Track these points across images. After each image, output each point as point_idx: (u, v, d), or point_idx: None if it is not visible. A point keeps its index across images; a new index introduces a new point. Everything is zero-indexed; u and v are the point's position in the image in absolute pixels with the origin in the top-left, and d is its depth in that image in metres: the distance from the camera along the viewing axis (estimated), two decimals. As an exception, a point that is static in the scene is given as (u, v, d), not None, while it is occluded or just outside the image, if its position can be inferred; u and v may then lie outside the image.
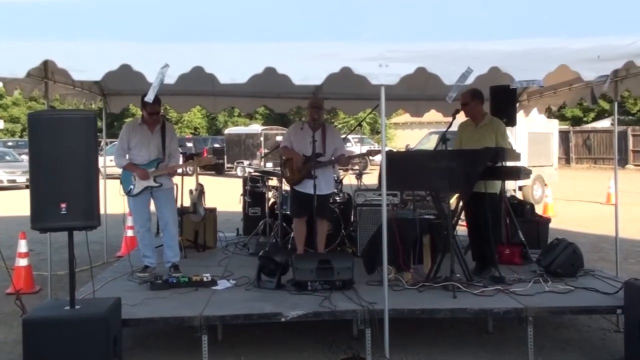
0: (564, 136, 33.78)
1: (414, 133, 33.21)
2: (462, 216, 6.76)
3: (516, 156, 6.20)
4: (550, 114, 20.73)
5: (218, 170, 28.49)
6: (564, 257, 6.12)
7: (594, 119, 40.18)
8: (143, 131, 6.47)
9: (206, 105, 10.03)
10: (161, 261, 6.61)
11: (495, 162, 5.94)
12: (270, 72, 4.49)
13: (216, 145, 31.15)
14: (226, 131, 30.21)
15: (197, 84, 7.75)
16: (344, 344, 5.18)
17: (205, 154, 29.86)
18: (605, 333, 5.76)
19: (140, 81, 4.59)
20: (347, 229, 7.94)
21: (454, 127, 6.51)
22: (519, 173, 6.12)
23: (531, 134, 15.68)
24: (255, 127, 30.75)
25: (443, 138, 5.60)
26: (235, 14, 4.88)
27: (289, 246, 7.42)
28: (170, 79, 4.44)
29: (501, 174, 6.16)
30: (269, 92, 9.12)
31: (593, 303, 5.31)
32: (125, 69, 4.39)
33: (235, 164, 26.54)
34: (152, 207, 6.59)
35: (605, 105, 34.80)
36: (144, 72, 4.43)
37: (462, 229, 7.30)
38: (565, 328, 5.91)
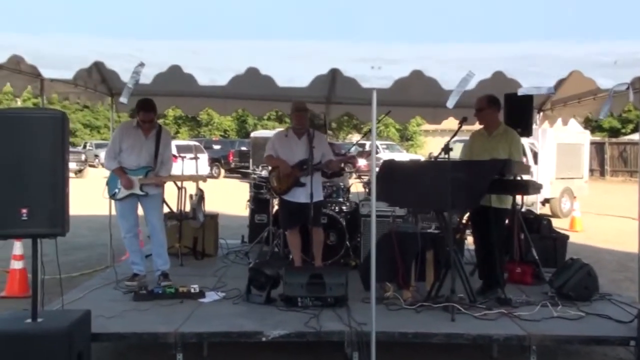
0: (599, 148, 32.75)
1: (444, 141, 32.38)
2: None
3: (526, 169, 5.76)
4: (585, 124, 20.03)
5: (244, 174, 28.24)
6: (577, 279, 5.65)
7: (633, 131, 38.90)
8: (137, 135, 6.19)
9: (215, 107, 9.77)
10: (152, 269, 6.32)
11: (503, 174, 5.47)
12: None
13: (243, 149, 30.91)
14: (252, 134, 29.96)
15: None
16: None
17: (232, 158, 29.88)
18: (622, 364, 5.29)
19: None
20: (353, 240, 7.54)
21: (464, 137, 6.10)
22: (527, 187, 5.66)
23: (560, 145, 15.19)
24: (281, 132, 30.41)
25: (445, 148, 5.19)
26: (217, 10, 4.59)
27: (291, 256, 7.08)
28: (146, 78, 4.16)
29: (509, 188, 5.70)
30: (279, 95, 8.75)
31: (604, 332, 4.82)
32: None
33: (260, 167, 26.25)
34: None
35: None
36: (118, 70, 4.19)
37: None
38: (579, 356, 5.44)
